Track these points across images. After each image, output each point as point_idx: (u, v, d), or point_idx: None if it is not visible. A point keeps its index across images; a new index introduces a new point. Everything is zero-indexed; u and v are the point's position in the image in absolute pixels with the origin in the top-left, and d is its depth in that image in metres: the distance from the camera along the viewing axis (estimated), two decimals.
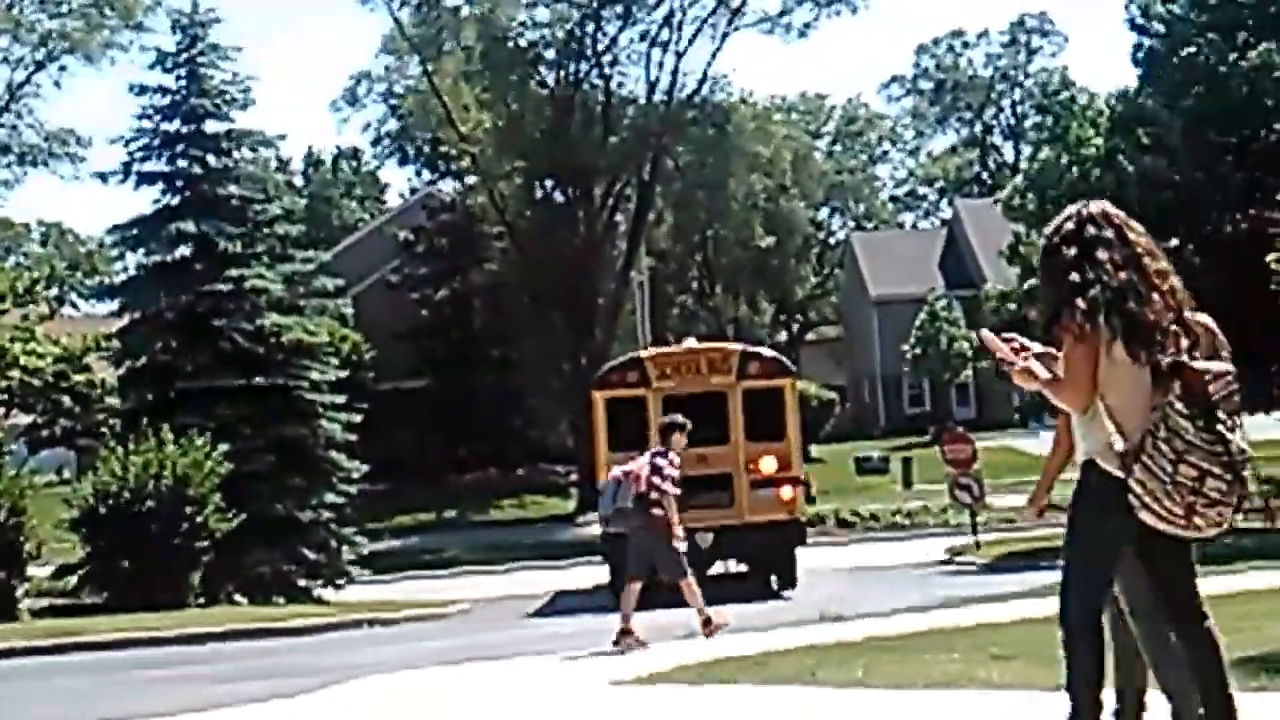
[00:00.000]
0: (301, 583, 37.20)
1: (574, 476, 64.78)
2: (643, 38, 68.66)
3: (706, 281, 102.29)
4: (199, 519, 30.70)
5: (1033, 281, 41.51)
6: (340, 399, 38.98)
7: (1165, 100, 38.67)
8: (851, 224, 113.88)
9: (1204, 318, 7.51)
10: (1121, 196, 37.76)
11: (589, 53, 68.10)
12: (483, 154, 67.02)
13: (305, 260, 40.70)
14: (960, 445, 42.53)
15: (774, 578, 31.05)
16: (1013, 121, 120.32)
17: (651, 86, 68.91)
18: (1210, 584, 20.37)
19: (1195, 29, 38.34)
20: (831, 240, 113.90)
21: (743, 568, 32.03)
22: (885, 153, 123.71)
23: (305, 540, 37.52)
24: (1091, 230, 7.36)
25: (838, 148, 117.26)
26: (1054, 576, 24.38)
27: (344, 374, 41.01)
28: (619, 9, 67.68)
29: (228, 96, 40.05)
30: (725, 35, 69.21)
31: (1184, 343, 7.25)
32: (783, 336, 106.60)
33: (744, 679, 14.15)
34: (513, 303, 67.06)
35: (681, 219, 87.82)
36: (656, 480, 19.31)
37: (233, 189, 39.39)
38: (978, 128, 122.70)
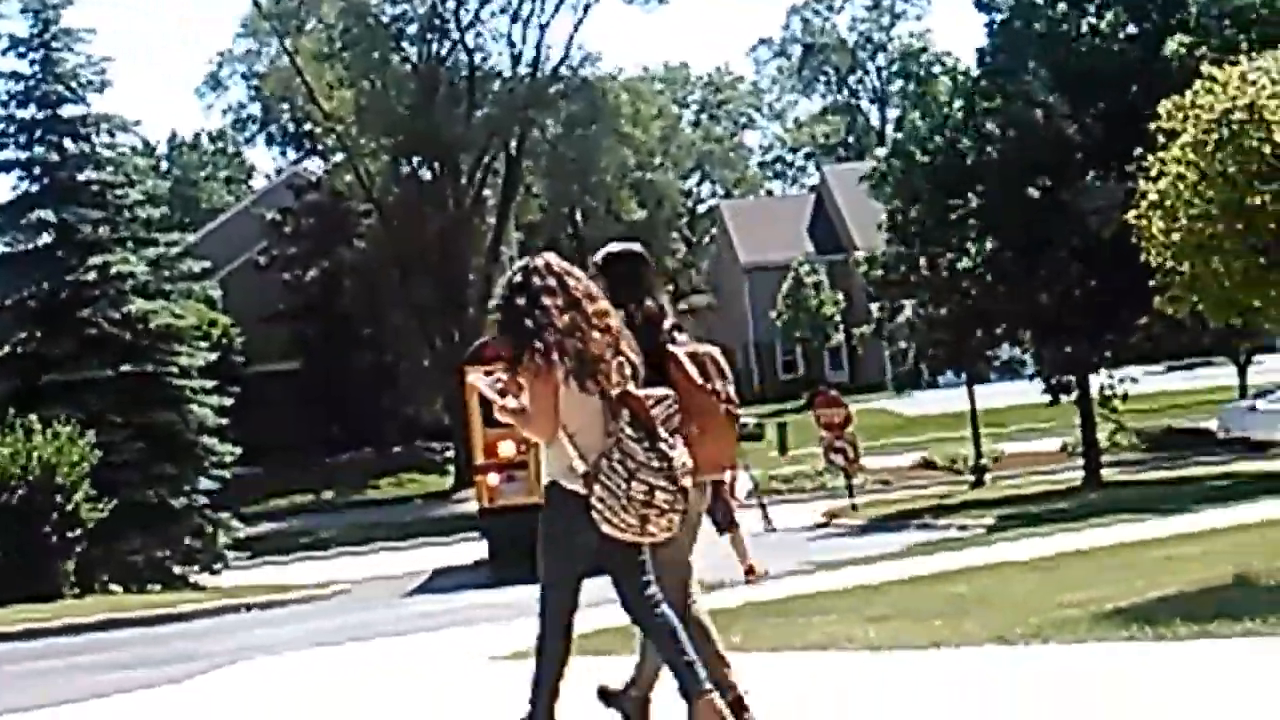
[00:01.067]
0: (177, 569, 36.90)
1: (450, 453, 64.64)
2: (504, 11, 68.49)
3: (578, 253, 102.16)
4: (69, 508, 30.34)
5: (901, 248, 41.93)
6: (210, 383, 38.64)
7: (1020, 64, 39.04)
8: (721, 192, 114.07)
9: (708, 348, 8.82)
10: (982, 158, 38.19)
11: (452, 27, 67.80)
12: (347, 132, 66.60)
13: (170, 244, 40.29)
14: (834, 409, 42.78)
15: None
16: (878, 86, 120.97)
17: (516, 60, 68.84)
18: (1083, 537, 20.64)
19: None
20: (701, 209, 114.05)
21: None
22: (752, 120, 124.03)
23: (180, 526, 37.21)
24: (537, 280, 8.18)
25: (705, 116, 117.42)
26: (927, 535, 24.47)
27: (214, 358, 40.66)
28: None
29: (83, 80, 39.54)
30: (588, 6, 69.22)
31: (627, 372, 8.14)
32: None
33: (623, 649, 14.16)
34: (383, 281, 66.71)
35: (551, 192, 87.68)
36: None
37: (92, 174, 38.91)
38: (844, 93, 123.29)
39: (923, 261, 40.91)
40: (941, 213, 39.50)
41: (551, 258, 8.36)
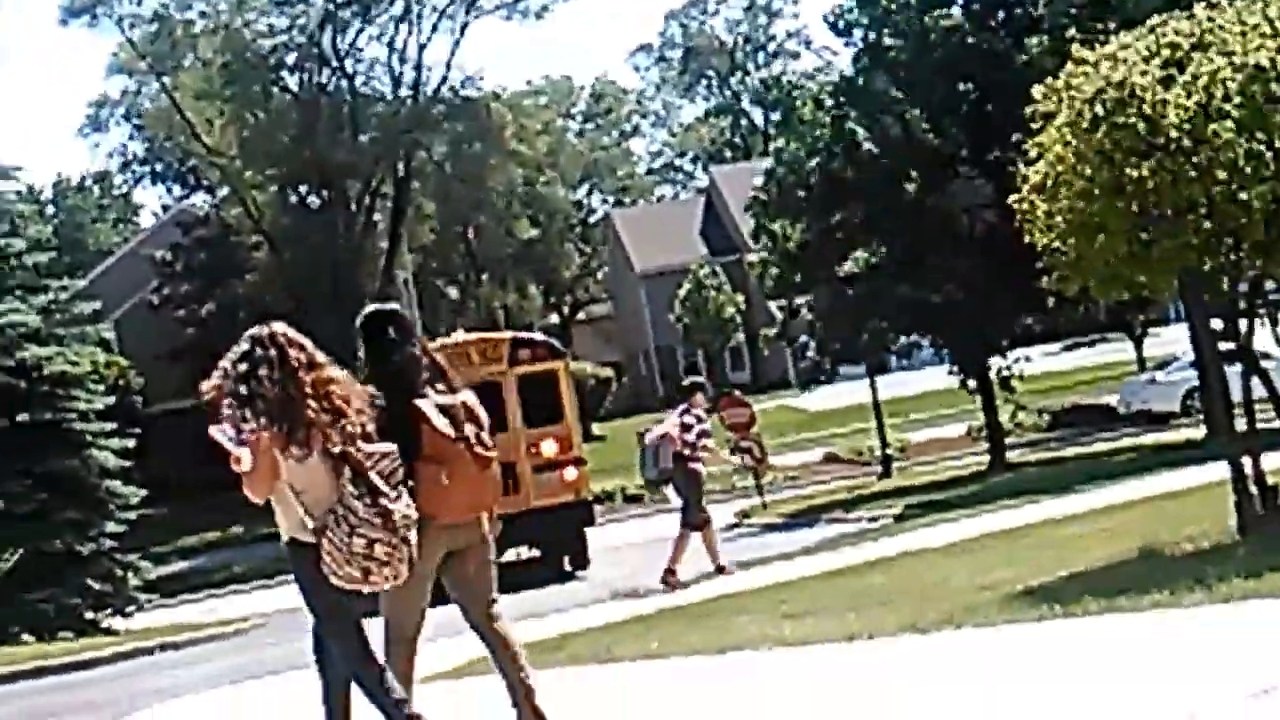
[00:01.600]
0: (89, 615, 36.45)
1: None
2: (381, 36, 68.35)
3: (473, 272, 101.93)
4: None
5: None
6: (110, 426, 38.23)
7: (878, 67, 39.31)
8: (611, 201, 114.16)
9: (463, 396, 9.67)
10: (856, 171, 38.47)
11: (330, 55, 67.53)
12: (232, 166, 66.22)
13: (61, 289, 39.83)
14: (738, 409, 42.80)
15: (566, 559, 31.10)
16: (760, 86, 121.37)
17: (397, 83, 68.70)
18: (991, 521, 20.79)
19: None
20: (592, 219, 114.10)
21: (535, 553, 32.07)
22: (637, 127, 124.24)
23: (89, 572, 36.75)
24: (259, 351, 8.75)
25: (590, 126, 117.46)
26: (838, 529, 24.60)
27: (111, 400, 40.18)
28: (355, 8, 67.18)
29: None
30: (465, 25, 69.17)
31: (351, 431, 8.74)
32: (554, 319, 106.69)
33: (540, 663, 14.15)
34: (278, 312, 65.98)
35: (442, 212, 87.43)
36: (689, 437, 21.57)
37: None
38: (727, 94, 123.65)
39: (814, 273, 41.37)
40: (822, 232, 39.89)
41: (279, 328, 8.93)
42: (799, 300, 44.72)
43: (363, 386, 9.21)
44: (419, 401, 9.42)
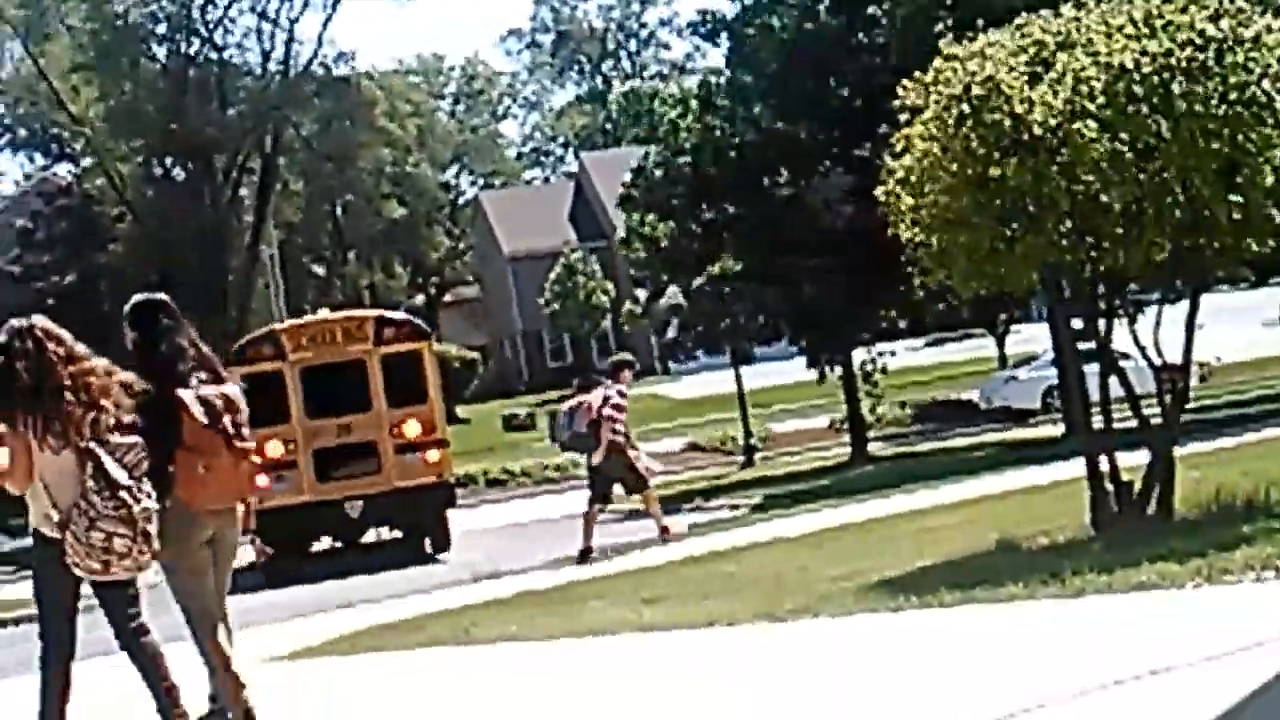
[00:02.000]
0: None
1: None
2: (253, 9, 67.69)
3: (339, 250, 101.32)
4: None
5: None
6: None
7: (748, 69, 39.47)
8: (480, 183, 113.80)
9: (224, 388, 9.81)
10: (722, 170, 38.63)
11: (200, 27, 66.79)
12: (97, 136, 65.34)
13: None
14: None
15: (427, 541, 30.95)
16: (631, 72, 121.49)
17: (266, 57, 68.13)
18: (850, 511, 20.94)
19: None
20: (461, 200, 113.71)
21: (396, 534, 31.88)
22: (509, 109, 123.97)
23: None
24: (17, 344, 9.07)
25: (460, 107, 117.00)
26: (698, 517, 24.65)
27: None
28: None
29: None
30: (336, 2, 68.78)
31: (104, 424, 9.05)
32: (420, 300, 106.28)
33: (398, 644, 14.12)
34: (140, 284, 65.14)
35: (309, 190, 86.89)
36: (608, 410, 21.88)
37: None
38: (599, 80, 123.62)
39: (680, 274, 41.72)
40: (690, 231, 40.11)
41: (39, 321, 9.29)
42: (667, 291, 44.92)
43: (126, 374, 9.47)
44: (181, 391, 9.59)
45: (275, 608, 22.26)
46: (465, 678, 11.94)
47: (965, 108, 12.12)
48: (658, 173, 40.68)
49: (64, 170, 79.02)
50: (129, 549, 9.03)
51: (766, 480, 38.66)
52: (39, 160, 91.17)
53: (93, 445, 9.01)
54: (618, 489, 23.31)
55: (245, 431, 9.84)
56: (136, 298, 10.38)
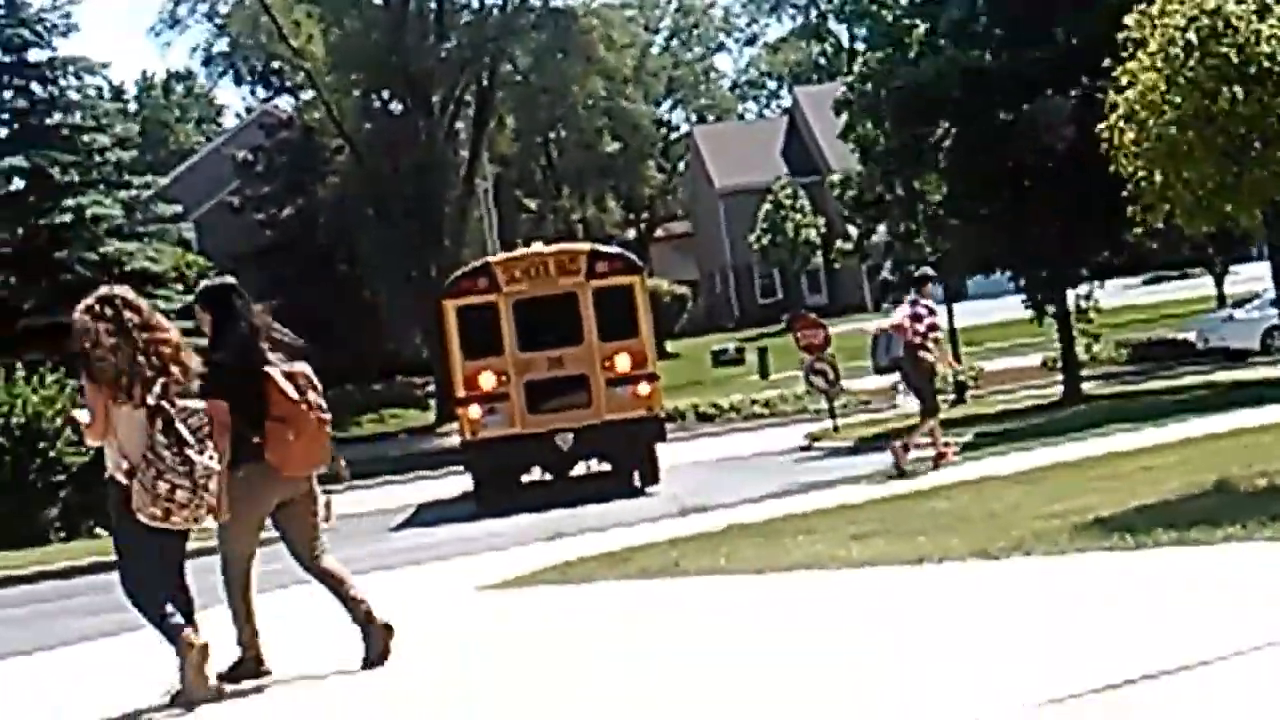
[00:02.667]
0: None
1: (431, 388, 64.61)
2: None
3: (552, 184, 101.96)
4: (52, 454, 30.28)
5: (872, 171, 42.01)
6: (189, 325, 38.46)
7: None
8: (694, 118, 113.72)
9: (301, 366, 10.65)
10: (941, 84, 37.97)
11: None
12: (318, 69, 66.21)
13: (143, 186, 40.10)
14: (813, 331, 42.70)
15: (636, 474, 31.15)
16: (846, 5, 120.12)
17: None
18: (1063, 450, 20.60)
19: None
20: (674, 136, 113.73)
21: (605, 466, 32.12)
22: (722, 44, 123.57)
23: None
24: (100, 309, 10.06)
25: (675, 42, 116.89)
26: (909, 455, 24.35)
27: (190, 299, 40.47)
28: None
29: (48, 24, 39.25)
30: None
31: (173, 389, 9.99)
32: (631, 234, 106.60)
33: (608, 575, 14.24)
34: (358, 217, 66.41)
35: (524, 123, 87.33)
36: (920, 327, 22.17)
37: (62, 118, 38.66)
38: (814, 14, 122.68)
39: (897, 186, 41.02)
40: (908, 141, 39.49)
41: (119, 290, 10.31)
42: (877, 226, 44.52)
43: (202, 351, 10.50)
44: (270, 368, 10.47)
45: (484, 538, 22.60)
46: (672, 609, 12.00)
47: (1191, 39, 11.87)
48: (871, 80, 39.95)
49: (285, 103, 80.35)
50: (189, 501, 9.89)
51: (978, 418, 38.27)
52: (260, 93, 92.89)
53: (163, 404, 9.92)
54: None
55: (324, 405, 10.70)
56: (206, 283, 11.54)
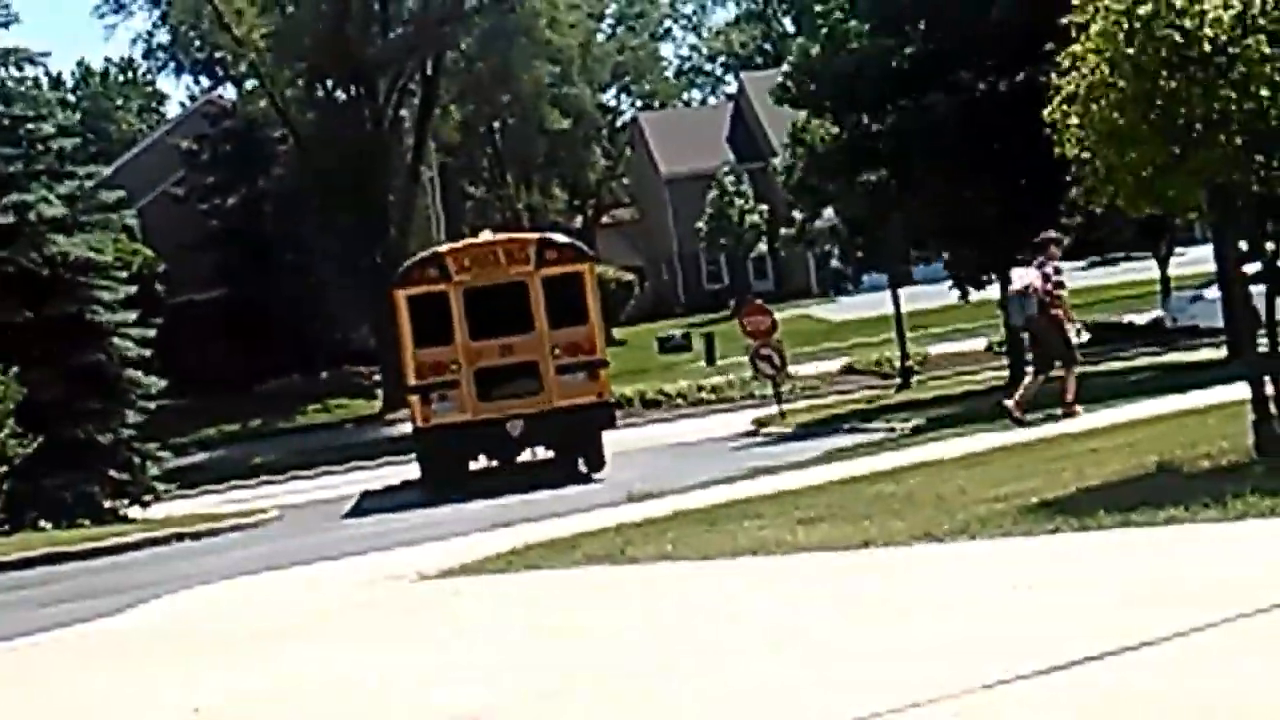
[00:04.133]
0: (108, 504, 36.67)
1: (378, 377, 64.48)
2: None
3: (498, 171, 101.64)
4: None
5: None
6: (133, 315, 38.30)
7: None
8: (639, 104, 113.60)
9: None
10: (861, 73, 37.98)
11: None
12: (260, 58, 65.91)
13: (87, 176, 39.77)
14: (759, 317, 42.85)
15: (581, 461, 31.20)
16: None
17: None
18: (1007, 434, 20.70)
19: None
20: (619, 122, 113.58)
21: (549, 454, 32.41)
22: (668, 30, 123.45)
23: (108, 461, 36.97)
24: None
25: (620, 28, 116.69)
26: (855, 439, 24.46)
27: (134, 290, 40.23)
28: None
29: None
30: None
31: None
32: (578, 222, 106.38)
33: (554, 563, 14.21)
34: (303, 206, 66.18)
35: (469, 110, 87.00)
36: (1050, 286, 23.20)
37: (3, 109, 38.37)
38: (758, 0, 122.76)
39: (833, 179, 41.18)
40: (847, 136, 39.59)
41: None
42: (823, 214, 44.62)
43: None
44: None
45: (429, 526, 22.56)
46: (619, 595, 11.99)
47: (1134, 22, 11.89)
48: (805, 72, 39.96)
49: (228, 93, 79.94)
50: None
51: (923, 403, 38.41)
52: (203, 82, 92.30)
53: None
54: None
55: None
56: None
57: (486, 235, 33.87)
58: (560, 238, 34.03)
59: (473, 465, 32.04)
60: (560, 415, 29.99)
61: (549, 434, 30.89)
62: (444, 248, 34.07)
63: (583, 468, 30.99)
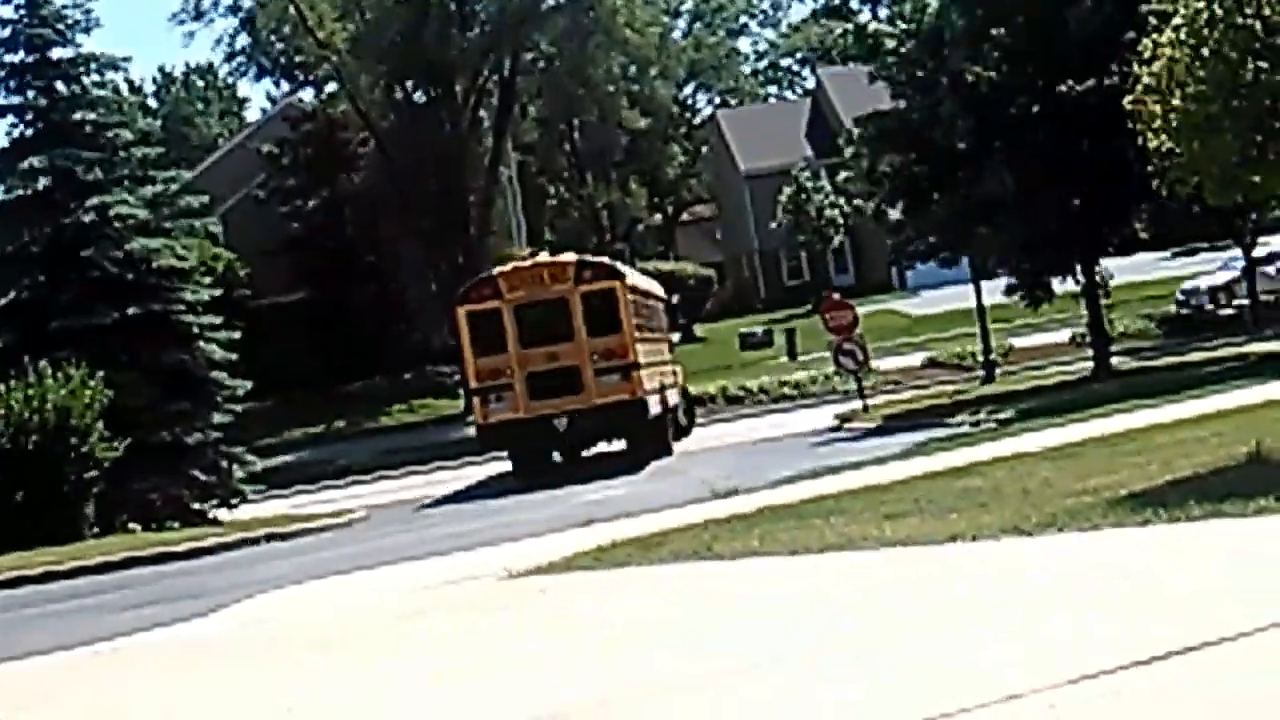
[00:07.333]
0: (195, 505, 36.95)
1: (459, 377, 64.70)
2: None
3: (576, 170, 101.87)
4: (84, 450, 30.35)
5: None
6: (217, 319, 38.60)
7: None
8: (715, 101, 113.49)
9: None
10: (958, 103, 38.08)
11: None
12: (341, 61, 66.27)
13: (168, 181, 40.09)
14: (841, 312, 42.80)
15: (637, 450, 35.80)
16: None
17: None
18: (1095, 426, 20.57)
19: None
20: (697, 119, 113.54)
21: (618, 445, 37.13)
22: (745, 26, 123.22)
23: (195, 463, 37.28)
24: None
25: (697, 25, 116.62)
26: (940, 433, 24.44)
27: (219, 293, 40.58)
28: None
29: (69, 21, 39.19)
30: None
31: None
32: (657, 219, 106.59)
33: (641, 559, 14.24)
34: (384, 208, 66.50)
35: (547, 110, 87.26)
36: None
37: (85, 115, 38.71)
38: None
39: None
40: (921, 161, 39.79)
41: None
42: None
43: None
44: None
45: (518, 522, 22.64)
46: (706, 591, 12.01)
47: (1216, 11, 11.83)
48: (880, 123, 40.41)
49: (309, 96, 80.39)
50: None
51: (1008, 395, 38.23)
52: (284, 86, 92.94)
53: None
54: None
55: None
56: None
57: (540, 257, 39.97)
58: (595, 259, 39.08)
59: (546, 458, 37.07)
60: (599, 411, 34.76)
61: (592, 428, 35.71)
62: (496, 270, 38.26)
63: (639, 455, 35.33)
